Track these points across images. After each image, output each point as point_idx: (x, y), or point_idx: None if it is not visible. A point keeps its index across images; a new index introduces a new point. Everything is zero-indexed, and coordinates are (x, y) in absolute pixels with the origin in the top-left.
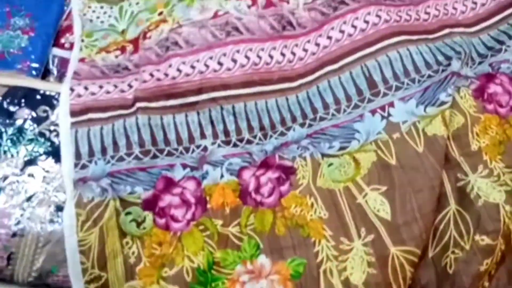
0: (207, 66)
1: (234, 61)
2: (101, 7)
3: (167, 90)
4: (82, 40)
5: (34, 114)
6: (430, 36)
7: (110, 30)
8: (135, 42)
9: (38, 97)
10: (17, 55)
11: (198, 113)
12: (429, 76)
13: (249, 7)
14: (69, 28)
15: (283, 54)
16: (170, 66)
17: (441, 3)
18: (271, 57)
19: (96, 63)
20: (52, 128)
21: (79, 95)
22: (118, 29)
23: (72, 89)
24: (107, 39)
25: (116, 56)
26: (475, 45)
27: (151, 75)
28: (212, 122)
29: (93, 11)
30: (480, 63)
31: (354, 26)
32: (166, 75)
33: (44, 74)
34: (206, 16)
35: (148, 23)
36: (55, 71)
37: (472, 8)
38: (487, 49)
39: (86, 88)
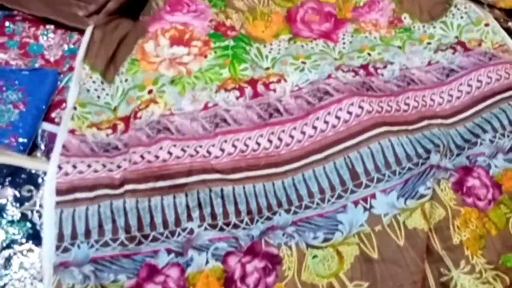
0: (197, 151)
1: (222, 150)
2: (102, 82)
3: (157, 172)
4: (75, 108)
5: (17, 194)
6: (410, 127)
7: (105, 108)
8: (126, 120)
9: (24, 175)
10: (6, 130)
11: (186, 195)
12: (409, 169)
13: (237, 98)
14: (61, 103)
15: (270, 141)
16: (161, 148)
17: (420, 95)
18: (258, 144)
19: (86, 139)
20: (35, 208)
21: (66, 174)
22: (111, 107)
23: (60, 167)
24: (101, 116)
25: (107, 135)
26: (452, 137)
27: (142, 157)
28: (199, 204)
29: (93, 82)
30: (458, 154)
31: (337, 117)
32: (157, 157)
33: (32, 148)
34: (197, 107)
35: (139, 102)
36: (42, 146)
37: (448, 100)
38: (464, 141)
39: (74, 167)
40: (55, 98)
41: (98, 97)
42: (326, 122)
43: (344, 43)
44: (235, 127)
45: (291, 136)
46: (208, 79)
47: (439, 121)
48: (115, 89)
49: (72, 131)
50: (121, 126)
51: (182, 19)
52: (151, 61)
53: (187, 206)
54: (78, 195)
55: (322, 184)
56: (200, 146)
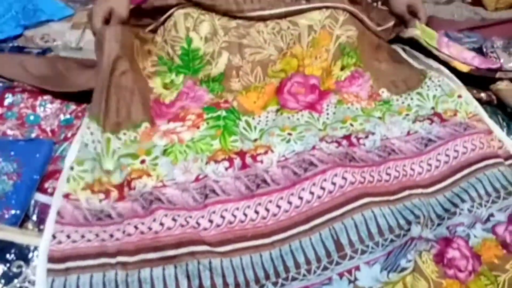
0: (187, 222)
1: (211, 221)
2: (98, 130)
3: (149, 244)
4: (72, 168)
5: (7, 271)
6: (392, 198)
7: (96, 162)
8: (119, 188)
9: (14, 250)
10: None
11: (175, 267)
12: (392, 240)
13: (226, 169)
14: (55, 173)
15: (256, 212)
16: (154, 220)
17: (400, 164)
18: (245, 215)
19: (80, 204)
20: (24, 285)
21: (59, 242)
22: (102, 165)
23: (54, 236)
24: (94, 173)
25: (100, 201)
26: (433, 206)
27: (136, 227)
28: (188, 277)
29: (91, 133)
30: (438, 224)
31: (322, 188)
32: (150, 228)
33: (23, 219)
34: (188, 178)
35: (130, 169)
36: (34, 217)
37: (428, 170)
38: (444, 210)
39: (68, 237)
40: (49, 168)
41: (95, 148)
42: (311, 193)
43: (328, 113)
44: (224, 197)
45: (278, 206)
46: (199, 149)
47: (419, 190)
48: (105, 141)
49: (66, 195)
50: (114, 193)
51: (180, 104)
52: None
53: (176, 278)
54: (70, 264)
55: (309, 255)
56: (190, 217)
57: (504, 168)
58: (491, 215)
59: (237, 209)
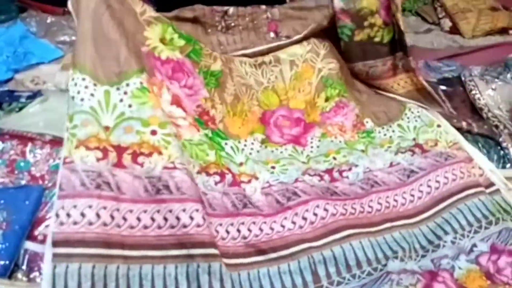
0: (192, 218)
1: None
2: (83, 79)
3: (152, 241)
4: (67, 129)
5: None
6: (373, 229)
7: (90, 115)
8: (119, 150)
9: None
10: None
11: (176, 267)
12: (369, 273)
13: (216, 183)
14: (44, 219)
15: (238, 231)
16: (158, 211)
17: (383, 196)
18: (227, 232)
19: (75, 166)
20: None
21: (61, 223)
22: (100, 120)
23: (57, 215)
24: (87, 127)
25: (98, 160)
26: (416, 236)
27: (138, 219)
28: (188, 278)
29: (75, 84)
30: (423, 256)
31: (304, 218)
32: (153, 220)
33: (13, 270)
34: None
35: (139, 139)
36: (24, 267)
37: (411, 200)
38: (427, 241)
39: (68, 215)
40: (39, 214)
41: (82, 99)
42: (293, 222)
43: (312, 147)
44: (209, 211)
45: (261, 229)
46: (195, 154)
47: (401, 222)
48: (104, 94)
49: (64, 160)
50: (113, 155)
51: (176, 91)
52: (159, 101)
53: (176, 278)
54: (72, 250)
55: (286, 283)
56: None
57: (485, 197)
58: (474, 245)
59: (220, 225)
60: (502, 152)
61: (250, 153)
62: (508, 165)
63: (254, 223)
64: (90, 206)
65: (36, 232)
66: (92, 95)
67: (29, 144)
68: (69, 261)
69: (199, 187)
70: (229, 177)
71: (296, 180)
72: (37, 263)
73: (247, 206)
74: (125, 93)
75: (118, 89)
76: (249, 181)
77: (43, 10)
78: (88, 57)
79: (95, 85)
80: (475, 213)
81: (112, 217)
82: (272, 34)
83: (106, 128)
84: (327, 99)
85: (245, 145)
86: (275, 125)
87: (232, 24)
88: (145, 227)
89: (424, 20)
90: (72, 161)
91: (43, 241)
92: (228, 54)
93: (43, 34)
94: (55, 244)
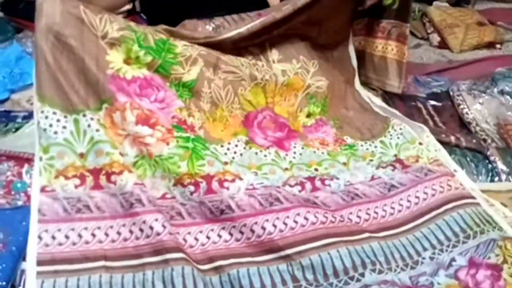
0: (164, 226)
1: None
2: (54, 113)
3: (131, 252)
4: (41, 159)
5: None
6: (351, 238)
7: (66, 147)
8: (95, 173)
9: None
10: None
11: (153, 273)
12: (346, 283)
13: (191, 193)
14: None
15: (219, 236)
16: (134, 223)
17: (364, 208)
18: (208, 238)
19: (57, 194)
20: None
21: (46, 245)
22: (75, 149)
23: (40, 237)
24: (64, 159)
25: (76, 186)
26: (396, 247)
27: (118, 233)
28: (164, 282)
29: (46, 117)
30: (402, 269)
31: (285, 223)
32: (131, 232)
33: None
34: (154, 194)
35: (109, 160)
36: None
37: (391, 213)
38: (407, 253)
39: (53, 238)
40: None
41: (56, 132)
42: (274, 226)
43: (294, 152)
44: (189, 220)
45: (241, 232)
46: (167, 168)
47: (382, 234)
48: (73, 123)
49: (43, 189)
50: (89, 179)
51: (148, 106)
52: (118, 133)
53: (153, 283)
54: (58, 267)
55: (265, 281)
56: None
57: (463, 210)
58: (453, 259)
59: (201, 232)
60: (490, 166)
61: (233, 157)
62: (496, 179)
63: (234, 227)
64: (72, 229)
65: None
66: (64, 127)
67: (26, 165)
68: (56, 276)
69: (177, 198)
70: (203, 185)
71: (279, 188)
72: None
73: (225, 212)
74: (92, 119)
75: (84, 115)
76: (233, 180)
77: None
78: (54, 90)
79: (65, 117)
80: (453, 228)
81: (94, 235)
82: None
83: (81, 155)
84: (308, 115)
85: (228, 149)
86: (258, 127)
87: (220, 24)
88: (125, 239)
89: (414, 35)
90: (53, 190)
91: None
92: (223, 34)
93: None
94: (40, 263)
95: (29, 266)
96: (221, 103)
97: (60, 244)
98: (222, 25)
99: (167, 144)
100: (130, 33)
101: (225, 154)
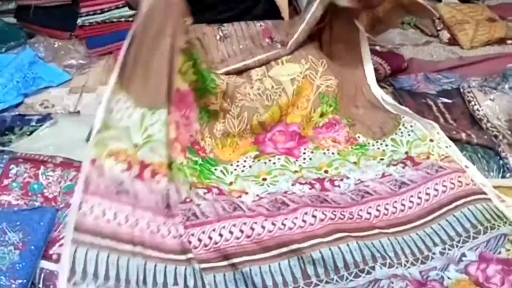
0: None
1: (189, 242)
2: (127, 100)
3: (157, 244)
4: (99, 131)
5: None
6: (361, 234)
7: (125, 133)
8: (142, 165)
9: None
10: (6, 272)
11: (175, 268)
12: (356, 275)
13: (205, 193)
14: (57, 239)
15: (231, 232)
16: (164, 223)
17: (374, 205)
18: (220, 235)
19: (103, 171)
20: None
21: (84, 214)
22: (131, 138)
23: (80, 206)
24: (120, 142)
25: (122, 171)
26: (407, 242)
27: (148, 225)
28: (185, 277)
29: (118, 100)
30: (412, 264)
31: (293, 223)
32: (158, 230)
33: None
34: (178, 198)
35: (159, 160)
36: (40, 285)
37: (401, 210)
38: (417, 248)
39: (91, 210)
40: (53, 234)
41: (121, 117)
42: (283, 224)
43: (304, 158)
44: (203, 219)
45: (252, 229)
46: (188, 173)
47: (391, 230)
48: (140, 117)
49: (93, 161)
50: (136, 169)
51: (177, 119)
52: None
53: (175, 277)
54: (92, 238)
55: (276, 278)
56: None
57: (474, 207)
58: (463, 255)
59: (214, 230)
60: (501, 162)
61: (242, 171)
62: (507, 175)
63: (245, 224)
64: (110, 208)
65: (50, 252)
66: (129, 116)
67: (41, 167)
68: (89, 247)
69: (194, 200)
70: (215, 190)
71: (286, 192)
72: (52, 281)
73: (237, 209)
74: (157, 120)
75: (153, 113)
76: (239, 196)
77: (51, 35)
78: (136, 80)
79: (135, 107)
80: (463, 224)
81: (127, 219)
82: (267, 40)
83: (135, 145)
84: (322, 115)
85: (237, 166)
86: (270, 140)
87: (228, 34)
88: (152, 232)
89: (423, 32)
90: (101, 166)
91: (57, 260)
92: (230, 66)
93: (51, 59)
94: (77, 229)
95: (68, 231)
96: (232, 131)
97: (96, 218)
98: (229, 35)
99: (185, 155)
100: (191, 50)
101: (233, 170)
